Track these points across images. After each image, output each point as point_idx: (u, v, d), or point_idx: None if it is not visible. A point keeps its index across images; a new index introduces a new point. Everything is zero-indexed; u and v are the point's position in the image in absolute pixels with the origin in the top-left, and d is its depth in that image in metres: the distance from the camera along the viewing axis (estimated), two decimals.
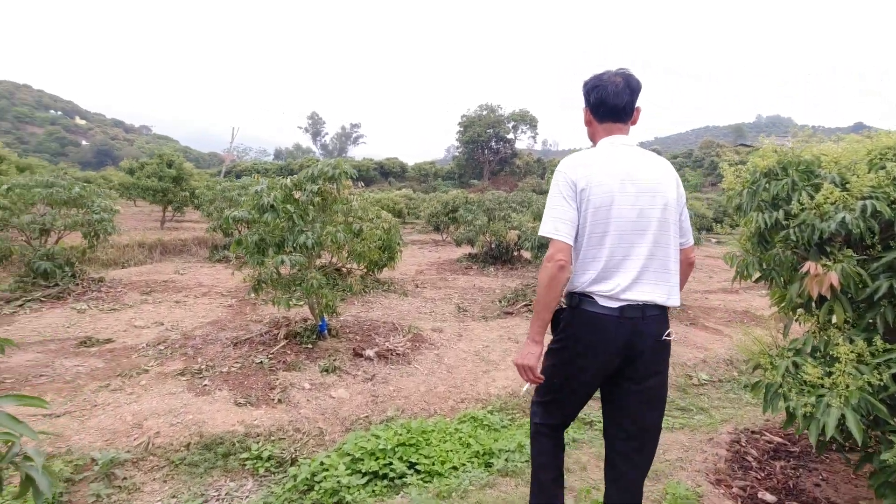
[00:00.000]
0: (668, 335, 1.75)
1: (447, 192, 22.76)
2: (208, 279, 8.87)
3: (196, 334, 5.34)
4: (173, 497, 3.00)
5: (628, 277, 1.68)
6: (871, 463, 1.98)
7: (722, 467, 2.83)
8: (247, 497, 3.02)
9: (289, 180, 4.74)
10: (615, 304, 1.68)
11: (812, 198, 2.19)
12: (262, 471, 3.24)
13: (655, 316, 1.71)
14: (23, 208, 7.41)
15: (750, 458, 2.92)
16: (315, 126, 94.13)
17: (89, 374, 4.25)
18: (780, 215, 2.32)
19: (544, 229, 1.75)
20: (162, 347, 4.91)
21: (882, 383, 1.84)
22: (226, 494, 3.04)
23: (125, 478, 3.06)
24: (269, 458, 3.33)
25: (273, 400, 3.87)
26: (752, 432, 3.27)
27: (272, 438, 3.49)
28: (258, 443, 3.44)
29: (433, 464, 3.16)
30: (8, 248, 7.15)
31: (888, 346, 1.92)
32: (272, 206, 4.43)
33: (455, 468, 3.15)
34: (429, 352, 5.12)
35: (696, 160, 47.85)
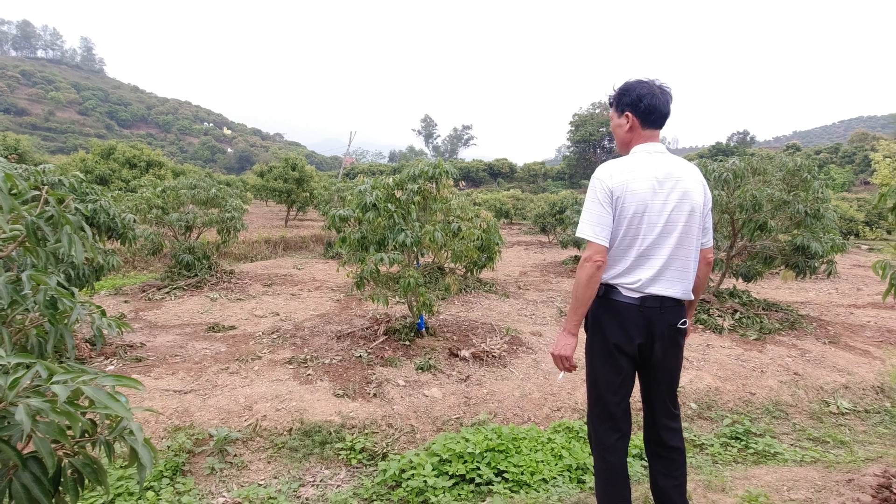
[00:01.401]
0: (683, 323, 2.02)
1: (556, 193, 22.20)
2: (321, 274, 9.48)
3: (305, 326, 5.71)
4: (275, 478, 3.20)
5: (649, 273, 1.94)
6: None
7: None
8: (338, 486, 3.13)
9: (391, 179, 4.87)
10: (636, 296, 1.96)
11: None
12: (354, 462, 3.34)
13: (672, 307, 1.99)
14: (176, 207, 8.48)
15: None
16: (427, 128, 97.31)
17: (213, 357, 4.72)
18: None
19: (584, 232, 1.97)
20: (275, 336, 5.31)
21: None
22: (320, 481, 3.18)
23: (235, 455, 3.32)
24: (361, 451, 3.43)
25: (369, 394, 4.00)
26: None
27: (365, 431, 3.60)
28: (352, 434, 3.56)
29: (522, 473, 3.04)
30: (161, 242, 8.21)
31: None
32: (374, 204, 4.58)
33: (545, 480, 3.01)
34: (526, 356, 4.97)
35: (844, 155, 41.87)
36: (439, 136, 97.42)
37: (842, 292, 8.99)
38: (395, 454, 3.35)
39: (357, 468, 3.31)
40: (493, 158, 58.21)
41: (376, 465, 3.29)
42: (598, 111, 54.92)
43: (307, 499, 3.00)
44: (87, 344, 4.71)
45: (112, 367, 4.45)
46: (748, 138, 63.82)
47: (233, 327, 5.82)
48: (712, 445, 3.58)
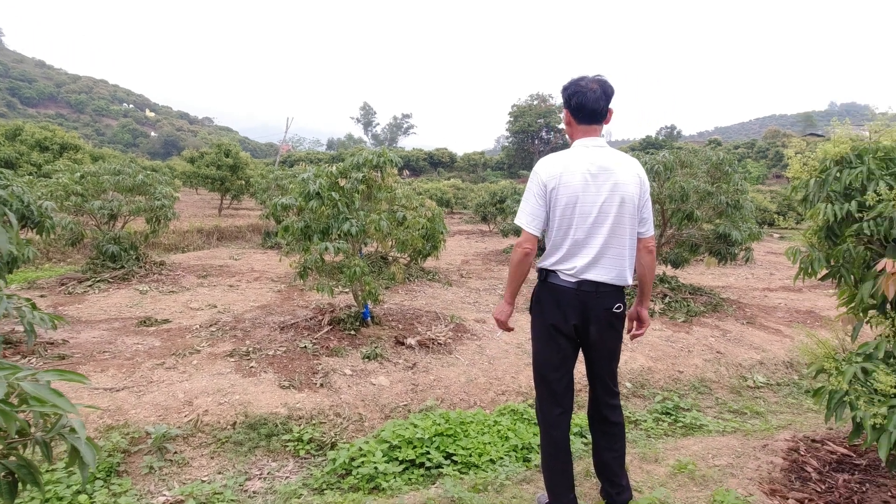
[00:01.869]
0: (618, 308, 2.14)
1: (496, 183, 22.57)
2: (260, 265, 9.18)
3: (246, 317, 5.53)
4: (219, 473, 3.11)
5: (584, 261, 2.08)
6: None
7: (777, 476, 2.65)
8: (287, 477, 3.09)
9: (334, 168, 4.79)
10: (573, 280, 2.10)
11: (891, 188, 1.98)
12: (302, 453, 3.31)
13: (608, 292, 2.12)
14: (95, 194, 7.89)
15: (809, 469, 2.72)
16: (367, 116, 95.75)
17: (147, 353, 4.49)
18: (853, 207, 2.12)
19: (519, 220, 2.15)
20: (214, 329, 5.11)
21: None
22: (268, 474, 3.13)
23: (176, 452, 3.20)
24: (309, 441, 3.39)
25: (315, 384, 3.95)
26: (813, 441, 3.04)
27: (313, 422, 3.56)
28: (300, 425, 3.51)
29: (470, 455, 3.13)
30: (81, 232, 7.63)
31: None
32: (318, 193, 4.49)
33: (492, 461, 3.11)
34: (471, 342, 5.08)
35: (759, 151, 45.25)
36: (378, 124, 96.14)
37: (757, 277, 9.79)
38: (345, 443, 3.35)
39: (305, 459, 3.28)
40: (433, 147, 58.17)
41: (325, 454, 3.27)
42: (536, 102, 56.10)
43: (254, 492, 2.95)
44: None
45: (33, 366, 4.13)
46: (675, 132, 67.28)
47: (167, 321, 5.54)
48: (646, 421, 3.83)
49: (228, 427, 3.41)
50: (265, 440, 3.36)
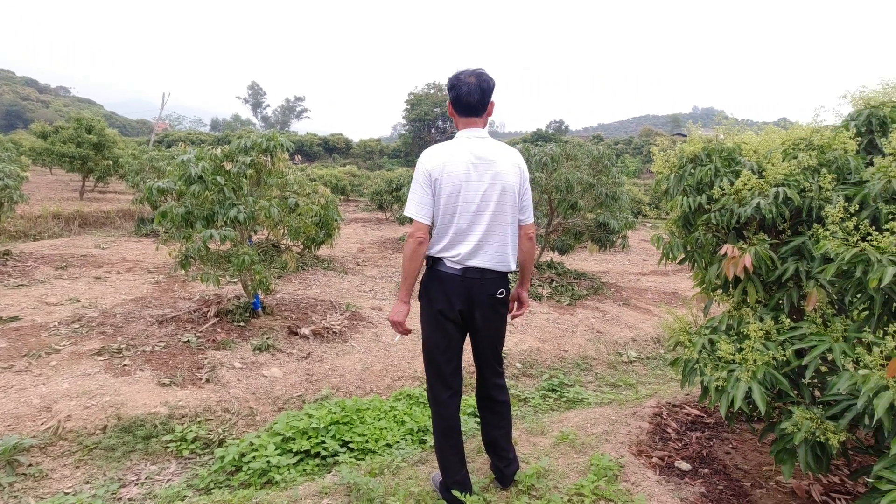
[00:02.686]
0: (501, 293, 2.23)
1: (392, 170, 22.48)
2: (133, 254, 8.34)
3: (117, 312, 5.00)
4: (87, 483, 2.82)
5: (468, 248, 2.13)
6: (773, 432, 2.13)
7: (644, 439, 2.98)
8: (169, 480, 2.88)
9: (219, 150, 4.48)
10: (459, 267, 2.15)
11: (732, 183, 2.30)
12: (186, 453, 3.10)
13: (492, 279, 2.19)
14: None
15: (670, 430, 3.09)
16: (256, 97, 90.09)
17: None
18: (703, 199, 2.42)
19: (409, 210, 2.17)
20: (77, 326, 4.56)
21: (785, 358, 1.98)
22: (146, 478, 2.89)
23: (31, 464, 2.84)
24: (194, 440, 3.19)
25: (200, 380, 3.71)
26: (673, 406, 3.46)
27: (198, 419, 3.35)
28: (183, 424, 3.29)
29: (367, 441, 3.14)
30: None
31: (793, 325, 2.06)
32: (200, 177, 4.18)
33: (389, 445, 3.15)
34: (367, 330, 5.06)
35: (635, 147, 49.47)
36: (269, 105, 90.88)
37: (632, 262, 10.82)
38: (234, 439, 3.20)
39: (190, 459, 3.08)
40: (328, 133, 56.31)
41: (213, 452, 3.10)
42: (433, 91, 56.51)
43: (130, 499, 2.72)
44: None
45: None
46: (563, 127, 71.19)
47: (15, 318, 4.84)
48: (534, 398, 4.10)
49: (97, 432, 3.10)
50: (142, 443, 3.10)
